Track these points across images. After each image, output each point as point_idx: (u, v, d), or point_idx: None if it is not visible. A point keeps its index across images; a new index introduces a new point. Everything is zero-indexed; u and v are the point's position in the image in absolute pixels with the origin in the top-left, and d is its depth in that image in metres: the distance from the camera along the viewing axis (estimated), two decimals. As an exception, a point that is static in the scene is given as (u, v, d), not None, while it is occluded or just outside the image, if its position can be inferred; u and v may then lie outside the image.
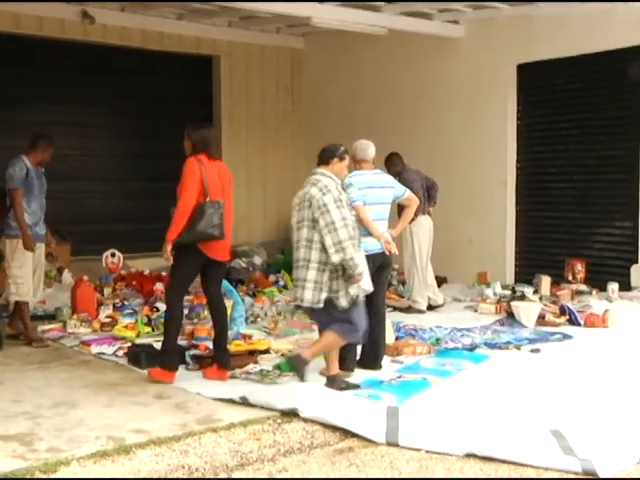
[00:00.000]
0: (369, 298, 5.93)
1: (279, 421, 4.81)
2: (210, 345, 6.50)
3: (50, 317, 7.71)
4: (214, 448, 4.42)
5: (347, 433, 4.68)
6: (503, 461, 4.25)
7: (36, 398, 5.23)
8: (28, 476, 3.95)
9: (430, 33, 9.86)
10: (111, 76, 10.62)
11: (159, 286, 8.60)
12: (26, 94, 9.96)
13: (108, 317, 7.49)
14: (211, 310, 5.94)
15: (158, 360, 5.81)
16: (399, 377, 5.64)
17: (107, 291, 8.64)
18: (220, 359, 5.74)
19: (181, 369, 5.90)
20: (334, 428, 4.73)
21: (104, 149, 10.88)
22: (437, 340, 6.76)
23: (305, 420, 4.80)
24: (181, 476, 4.12)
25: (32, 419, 4.79)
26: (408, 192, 6.10)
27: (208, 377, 5.69)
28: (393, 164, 8.46)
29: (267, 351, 6.31)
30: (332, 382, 5.40)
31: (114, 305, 8.01)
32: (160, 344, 5.90)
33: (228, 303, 7.42)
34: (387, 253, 5.85)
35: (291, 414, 4.87)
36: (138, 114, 10.74)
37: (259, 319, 7.72)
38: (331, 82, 11.57)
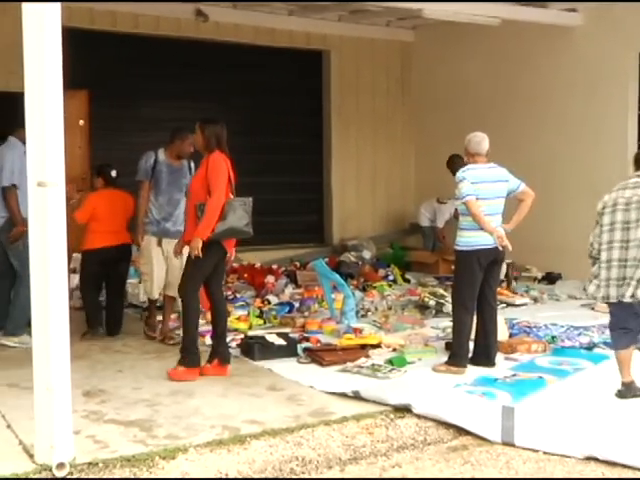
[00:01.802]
0: (481, 294, 5.83)
1: (392, 416, 4.78)
2: (322, 338, 6.57)
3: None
4: (327, 441, 4.44)
5: (461, 430, 4.62)
6: (626, 466, 4.09)
7: (154, 386, 5.38)
8: (149, 461, 4.07)
9: (546, 22, 9.56)
10: (224, 72, 10.81)
11: (270, 279, 8.73)
12: (146, 92, 10.26)
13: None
14: (215, 304, 5.87)
15: (267, 351, 5.97)
16: (513, 375, 5.50)
17: (220, 283, 8.80)
18: (221, 354, 5.71)
19: (293, 362, 5.97)
20: (447, 425, 4.68)
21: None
22: (553, 338, 6.56)
23: (418, 416, 4.76)
24: (295, 468, 4.16)
25: (151, 406, 4.94)
26: (523, 185, 5.93)
27: (206, 374, 5.59)
28: (454, 165, 8.46)
29: (378, 345, 6.28)
30: (627, 389, 5.03)
31: (226, 297, 8.14)
32: (253, 337, 6.19)
33: (339, 297, 7.47)
34: (500, 248, 5.72)
35: (404, 409, 4.83)
36: (249, 109, 10.89)
37: (369, 313, 7.70)
38: (441, 75, 11.41)
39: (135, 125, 10.03)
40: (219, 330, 5.77)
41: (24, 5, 3.90)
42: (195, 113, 10.49)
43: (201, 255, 5.46)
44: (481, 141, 5.86)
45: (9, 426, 4.53)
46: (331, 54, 11.60)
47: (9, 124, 6.94)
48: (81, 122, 9.43)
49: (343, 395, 5.11)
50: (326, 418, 4.72)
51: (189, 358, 5.59)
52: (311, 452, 4.30)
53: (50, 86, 3.88)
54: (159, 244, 6.67)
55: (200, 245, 5.47)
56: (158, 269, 6.66)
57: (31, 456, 4.03)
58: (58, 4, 3.91)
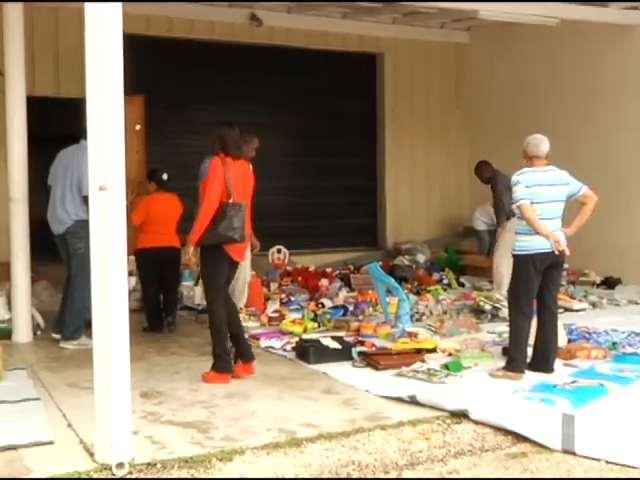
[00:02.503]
0: (539, 299, 5.74)
1: (448, 421, 4.74)
2: (376, 342, 6.54)
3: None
4: (383, 446, 4.41)
5: (519, 437, 4.54)
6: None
7: (210, 388, 5.41)
8: (206, 462, 4.10)
9: (606, 21, 9.38)
10: (277, 76, 10.87)
11: (324, 282, 8.72)
12: (201, 96, 10.37)
13: (275, 312, 7.66)
14: (229, 308, 5.80)
15: (322, 355, 5.97)
16: (573, 382, 5.40)
17: (273, 286, 8.86)
18: (244, 354, 5.70)
19: (348, 365, 5.95)
20: (505, 431, 4.60)
21: (272, 147, 11.10)
22: (614, 344, 6.42)
23: (475, 422, 4.71)
24: (352, 472, 4.14)
25: (207, 408, 4.97)
26: (585, 188, 5.81)
27: (238, 375, 5.59)
28: (482, 172, 8.42)
29: (434, 350, 6.22)
30: None
31: (280, 300, 8.18)
32: (308, 340, 6.21)
33: (393, 300, 7.43)
34: (556, 252, 5.61)
35: (460, 415, 4.78)
36: (303, 113, 10.93)
37: (424, 317, 7.65)
38: (497, 77, 11.28)
39: (190, 129, 10.13)
40: (233, 331, 5.72)
41: (87, 7, 3.95)
42: (250, 117, 10.66)
43: (193, 259, 5.59)
44: (540, 143, 5.76)
45: (70, 425, 4.60)
46: (385, 57, 11.58)
47: (74, 128, 7.11)
48: (138, 127, 9.56)
49: (399, 400, 5.08)
50: (382, 422, 4.70)
51: (219, 363, 5.59)
52: (367, 457, 4.27)
53: (111, 91, 3.94)
54: None
55: (190, 250, 5.54)
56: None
57: (91, 455, 4.10)
58: (119, 5, 3.95)
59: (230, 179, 5.54)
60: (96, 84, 3.96)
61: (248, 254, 6.55)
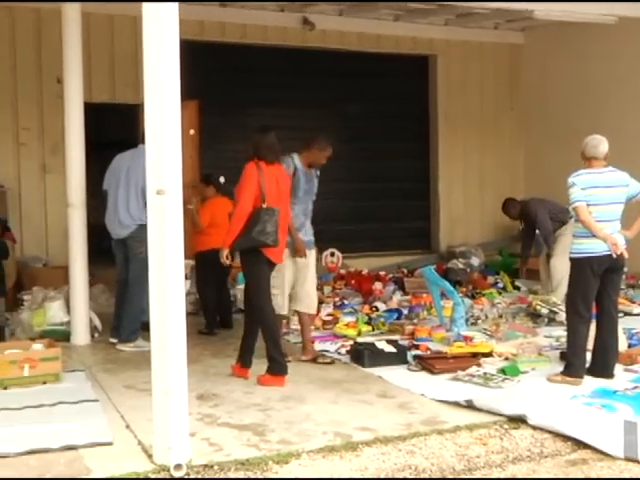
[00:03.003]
0: (599, 303, 5.63)
1: (506, 426, 4.67)
2: (431, 346, 6.50)
3: (275, 314, 8.02)
4: (440, 450, 4.37)
5: (579, 444, 4.46)
6: None
7: (265, 391, 5.43)
8: (262, 465, 4.11)
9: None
10: (330, 79, 10.88)
11: (378, 285, 8.70)
12: (254, 100, 10.43)
13: (329, 315, 7.66)
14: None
15: (377, 358, 5.95)
16: (635, 387, 5.27)
17: (327, 290, 8.85)
18: (280, 366, 5.68)
19: (403, 369, 5.92)
20: (565, 437, 4.52)
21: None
22: (675, 349, 6.26)
23: (533, 427, 4.64)
24: (408, 476, 4.11)
25: (263, 411, 4.99)
26: None
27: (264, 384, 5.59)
28: (510, 209, 8.54)
29: (490, 354, 6.15)
30: None
31: (334, 304, 8.17)
32: (363, 344, 6.22)
33: (448, 304, 7.37)
34: (614, 255, 5.48)
35: (518, 420, 4.71)
36: (356, 116, 10.91)
37: (479, 321, 7.56)
38: (553, 77, 11.10)
39: (243, 134, 10.13)
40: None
41: (144, 10, 4.00)
42: (302, 121, 10.70)
43: (227, 262, 5.66)
44: (598, 144, 5.65)
45: (128, 426, 4.67)
46: (437, 59, 11.49)
47: (129, 133, 7.23)
48: (192, 132, 9.66)
49: (455, 404, 5.03)
50: (438, 427, 4.65)
51: (273, 366, 5.64)
52: (424, 461, 4.24)
53: (168, 96, 3.98)
54: (293, 256, 6.16)
55: (225, 253, 5.59)
56: (290, 283, 6.20)
57: (150, 456, 4.14)
58: (176, 6, 3.99)
59: (264, 184, 5.59)
60: (154, 89, 4.00)
61: (312, 259, 6.36)
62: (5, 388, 5.43)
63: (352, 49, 10.84)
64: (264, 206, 5.55)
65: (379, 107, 11.07)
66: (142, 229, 6.59)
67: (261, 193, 5.57)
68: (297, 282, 6.20)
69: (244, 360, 5.82)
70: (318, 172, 6.38)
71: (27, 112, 9.27)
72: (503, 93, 11.88)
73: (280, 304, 6.11)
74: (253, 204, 5.56)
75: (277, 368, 5.62)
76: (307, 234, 6.31)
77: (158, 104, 3.99)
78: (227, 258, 5.64)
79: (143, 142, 6.66)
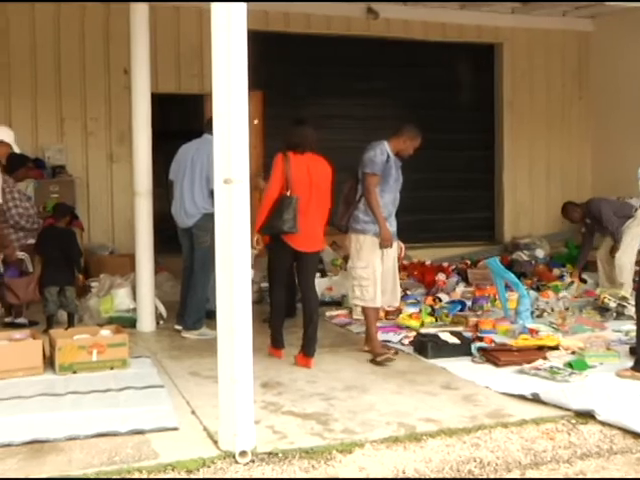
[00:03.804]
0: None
1: (573, 421, 4.59)
2: (496, 338, 6.41)
3: (337, 304, 8.04)
4: (505, 443, 4.32)
5: (651, 441, 4.35)
6: None
7: (329, 380, 5.44)
8: (326, 454, 4.12)
9: None
10: (394, 69, 10.80)
11: (441, 277, 8.62)
12: (317, 91, 10.44)
13: (391, 306, 7.61)
14: (302, 299, 6.10)
15: (441, 350, 5.93)
16: None
17: (390, 280, 8.79)
18: (306, 347, 5.87)
19: (467, 361, 5.86)
20: (635, 434, 4.41)
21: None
22: None
23: (602, 423, 4.54)
24: (473, 469, 4.07)
25: (326, 400, 5.00)
26: None
27: (297, 363, 5.86)
28: (570, 213, 8.48)
29: (556, 347, 6.04)
30: None
31: (397, 294, 8.12)
32: (426, 335, 6.24)
33: (513, 296, 7.26)
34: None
35: (586, 415, 4.62)
36: (420, 106, 10.80)
37: (545, 314, 7.43)
38: (625, 65, 10.78)
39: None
40: (306, 327, 5.95)
41: (213, 6, 4.02)
42: (365, 111, 10.68)
43: (257, 247, 5.84)
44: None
45: (193, 412, 4.73)
46: (503, 47, 11.29)
47: (193, 124, 7.31)
48: (255, 122, 9.71)
49: (521, 397, 4.96)
50: (504, 420, 4.60)
51: (271, 339, 6.08)
52: (489, 454, 4.19)
53: (236, 87, 4.00)
54: (380, 246, 6.03)
55: (254, 238, 5.70)
56: (379, 274, 6.06)
57: (215, 442, 4.19)
58: (244, 5, 4.02)
59: (290, 173, 5.74)
60: (222, 80, 4.02)
61: (394, 251, 6.19)
62: (74, 372, 5.55)
63: (416, 38, 10.74)
64: (285, 194, 5.71)
65: (443, 97, 10.95)
66: (207, 218, 6.70)
67: (286, 182, 5.73)
68: (382, 274, 6.08)
69: (304, 349, 5.93)
70: (400, 163, 6.23)
71: (95, 102, 9.46)
72: (571, 82, 11.62)
73: (371, 296, 6.00)
74: (279, 192, 5.75)
75: (274, 341, 6.07)
76: (392, 225, 6.15)
77: (226, 94, 4.01)
78: (257, 243, 5.84)
79: (208, 132, 6.87)
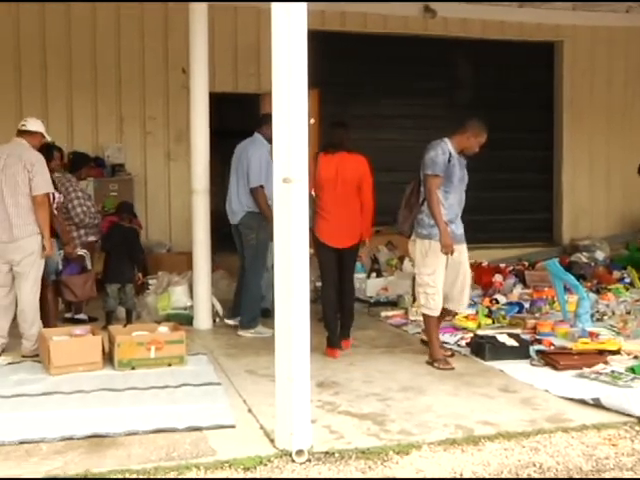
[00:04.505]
0: None
1: (637, 428, 4.48)
2: (555, 341, 6.31)
3: (392, 304, 8.00)
4: (566, 449, 4.23)
5: None
6: None
7: (385, 381, 5.41)
8: (383, 455, 4.09)
9: None
10: (451, 68, 10.71)
11: (498, 278, 8.51)
12: (374, 89, 10.41)
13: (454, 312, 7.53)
14: (339, 291, 6.25)
15: (499, 352, 5.83)
16: None
17: (445, 281, 8.71)
18: (340, 332, 6.17)
19: (525, 364, 5.77)
20: (703, 442, 4.28)
21: (442, 140, 11.00)
22: None
23: (667, 430, 4.42)
24: (532, 474, 3.99)
25: (382, 401, 4.97)
26: None
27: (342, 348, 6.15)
28: None
29: (617, 352, 5.90)
30: None
31: (453, 295, 8.03)
32: (483, 337, 6.13)
33: (572, 298, 7.13)
34: None
35: (650, 422, 4.51)
36: (477, 105, 10.66)
37: (605, 317, 7.26)
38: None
39: (362, 123, 10.16)
40: (343, 320, 6.25)
41: (273, 6, 4.03)
42: (422, 110, 10.61)
43: None
44: None
45: (250, 410, 4.74)
46: (563, 45, 11.12)
47: (249, 123, 7.35)
48: (312, 121, 9.72)
49: (581, 402, 4.86)
50: (564, 425, 4.51)
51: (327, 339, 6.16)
52: (549, 459, 4.11)
53: (296, 86, 4.00)
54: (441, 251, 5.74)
55: None
56: (442, 281, 5.79)
57: (271, 441, 4.19)
58: (304, 4, 4.01)
59: (317, 173, 6.05)
60: (282, 79, 4.02)
61: (465, 253, 5.94)
62: (133, 368, 5.63)
63: (474, 37, 10.63)
64: (313, 194, 6.02)
65: (501, 96, 10.82)
66: (250, 216, 6.84)
67: (315, 181, 6.03)
68: (448, 279, 5.81)
69: (329, 341, 6.18)
70: (465, 161, 5.98)
71: (153, 101, 9.60)
72: (634, 81, 11.37)
73: (436, 305, 5.77)
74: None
75: (328, 339, 6.13)
76: (459, 227, 5.89)
77: (286, 94, 4.01)
78: None
79: (257, 130, 6.94)
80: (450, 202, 5.79)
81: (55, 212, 6.55)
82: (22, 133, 6.13)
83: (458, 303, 5.91)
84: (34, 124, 6.16)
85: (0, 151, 6.07)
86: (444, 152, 5.73)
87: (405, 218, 5.88)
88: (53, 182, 6.81)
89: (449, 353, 6.04)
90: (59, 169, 7.21)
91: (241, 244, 7.07)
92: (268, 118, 7.08)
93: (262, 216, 6.75)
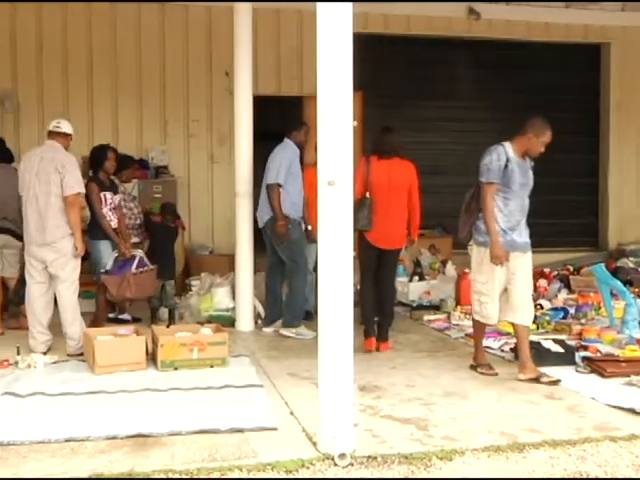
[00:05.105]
0: None
1: (689, 439, 4.36)
2: (601, 348, 6.20)
3: (434, 308, 7.94)
4: (614, 458, 4.13)
5: None
6: None
7: (427, 385, 5.37)
8: (426, 460, 4.05)
9: None
10: (494, 70, 10.60)
11: (542, 283, 8.39)
12: (417, 92, 10.35)
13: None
14: (379, 291, 6.44)
15: (543, 358, 5.75)
16: None
17: (489, 286, 8.62)
18: (378, 334, 6.36)
19: (570, 370, 5.68)
20: None
21: (486, 143, 10.79)
22: None
23: None
24: (579, 483, 3.92)
25: (425, 405, 4.92)
26: None
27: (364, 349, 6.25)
28: None
29: (667, 360, 5.77)
30: None
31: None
32: (540, 342, 6.00)
33: (619, 304, 7.00)
34: None
35: (700, 432, 4.39)
36: (520, 108, 10.52)
37: (656, 324, 7.11)
38: None
39: (406, 125, 10.10)
40: (381, 318, 6.45)
41: (319, 6, 4.02)
42: (465, 113, 10.53)
43: None
44: None
45: (292, 413, 4.73)
46: (611, 47, 10.92)
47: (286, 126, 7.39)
48: (355, 123, 9.70)
49: (630, 411, 4.76)
50: (612, 434, 4.41)
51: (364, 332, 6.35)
52: (596, 469, 4.02)
53: (341, 88, 4.00)
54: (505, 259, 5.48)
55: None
56: (501, 289, 5.56)
57: (314, 444, 4.17)
58: (350, 5, 4.00)
59: (370, 177, 6.22)
60: (327, 81, 4.01)
61: (528, 263, 5.66)
62: (175, 369, 5.66)
63: (519, 39, 10.51)
64: (365, 195, 6.19)
65: (546, 99, 10.65)
66: (274, 220, 6.87)
67: (365, 184, 6.19)
68: (508, 289, 5.57)
69: (365, 332, 6.39)
70: (532, 163, 5.73)
71: (197, 105, 9.67)
72: (685, 83, 11.13)
73: (489, 314, 5.57)
74: (359, 193, 6.17)
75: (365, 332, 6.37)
76: (522, 235, 5.60)
77: (331, 97, 4.00)
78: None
79: (288, 136, 6.99)
80: (510, 209, 5.51)
81: (109, 212, 6.66)
82: (55, 135, 6.19)
83: (518, 315, 5.58)
84: (67, 126, 6.25)
85: (34, 154, 6.17)
86: (499, 158, 5.48)
87: (464, 224, 5.68)
88: (112, 183, 6.91)
89: (554, 379, 5.43)
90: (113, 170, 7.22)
91: (271, 247, 7.16)
92: (298, 124, 7.25)
93: (288, 219, 6.90)
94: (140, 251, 6.89)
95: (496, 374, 5.62)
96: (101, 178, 6.90)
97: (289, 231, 6.90)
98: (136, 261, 6.70)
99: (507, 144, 5.56)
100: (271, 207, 6.92)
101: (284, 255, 7.02)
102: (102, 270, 6.69)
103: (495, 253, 5.41)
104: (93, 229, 6.83)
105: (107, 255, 6.73)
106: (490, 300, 5.54)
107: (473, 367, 5.77)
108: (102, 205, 6.79)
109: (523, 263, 5.59)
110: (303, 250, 7.04)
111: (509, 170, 5.47)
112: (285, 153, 6.97)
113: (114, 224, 6.84)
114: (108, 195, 6.79)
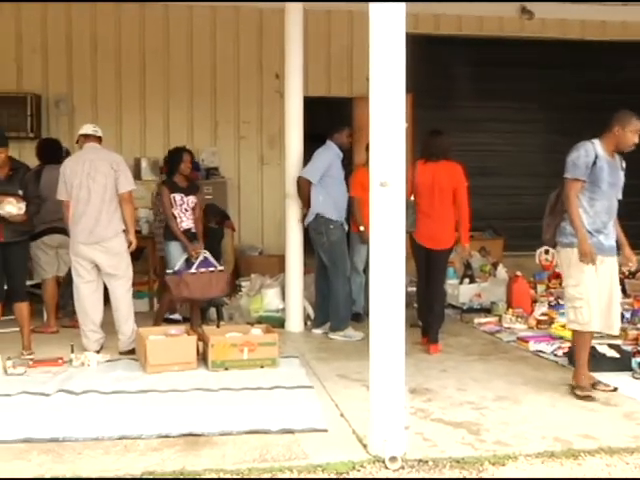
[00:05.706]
0: None
1: None
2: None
3: (485, 310, 7.85)
4: (672, 468, 4.04)
5: None
6: None
7: (479, 389, 5.30)
8: (478, 465, 4.00)
9: None
10: (547, 70, 10.44)
11: (596, 286, 8.23)
12: (468, 92, 10.26)
13: (543, 315, 7.36)
14: (428, 291, 6.57)
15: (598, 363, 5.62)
16: None
17: (540, 288, 8.51)
18: (430, 335, 6.45)
19: (626, 376, 5.57)
20: None
21: (537, 145, 10.73)
22: None
23: None
24: (637, 492, 3.83)
25: (477, 409, 4.87)
26: None
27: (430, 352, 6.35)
28: None
29: None
30: None
31: (549, 303, 7.83)
32: (595, 347, 5.80)
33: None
34: None
35: None
36: (577, 108, 10.39)
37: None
38: None
39: (456, 126, 10.01)
40: (429, 318, 6.55)
41: (371, 6, 4.00)
42: (516, 113, 10.41)
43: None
44: None
45: (342, 415, 4.71)
46: (669, 44, 10.67)
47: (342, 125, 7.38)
48: (405, 125, 9.65)
49: (689, 418, 4.64)
50: (670, 442, 4.31)
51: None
52: (654, 477, 3.94)
53: (394, 90, 3.98)
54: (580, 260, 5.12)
55: None
56: (595, 293, 5.14)
57: (364, 446, 4.15)
58: (403, 5, 3.97)
59: (415, 179, 6.42)
60: (380, 83, 3.99)
61: (614, 267, 5.28)
62: (226, 369, 5.69)
63: (573, 38, 10.34)
64: (409, 198, 6.13)
65: (603, 99, 10.44)
66: (317, 220, 6.93)
67: (411, 186, 6.21)
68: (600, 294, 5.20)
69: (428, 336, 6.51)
70: (623, 162, 5.34)
71: (247, 106, 9.73)
72: None
73: (587, 319, 5.11)
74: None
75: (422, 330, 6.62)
76: (609, 237, 5.22)
77: (383, 98, 3.98)
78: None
79: (330, 138, 6.98)
80: (597, 209, 5.16)
81: (181, 214, 6.76)
82: (94, 138, 6.40)
83: (607, 321, 5.22)
84: (100, 131, 6.48)
85: (80, 158, 6.29)
86: (587, 154, 5.13)
87: (548, 226, 5.36)
88: (190, 184, 7.00)
89: (610, 387, 5.28)
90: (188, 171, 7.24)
91: (316, 248, 7.17)
92: (340, 126, 7.26)
93: (330, 220, 6.90)
94: (206, 252, 6.86)
95: (594, 399, 5.06)
96: (174, 180, 6.95)
97: (329, 232, 6.91)
98: (197, 262, 6.70)
99: (596, 141, 5.21)
100: (299, 195, 7.07)
101: (324, 257, 7.01)
102: (170, 270, 6.73)
103: (583, 250, 5.05)
104: (165, 230, 6.97)
105: (177, 256, 6.77)
106: (585, 304, 5.10)
107: (571, 388, 5.22)
108: (172, 207, 6.85)
109: (612, 267, 5.25)
110: (343, 253, 7.01)
111: (597, 167, 5.13)
112: (326, 155, 6.98)
113: (185, 225, 6.88)
114: (177, 197, 6.85)
